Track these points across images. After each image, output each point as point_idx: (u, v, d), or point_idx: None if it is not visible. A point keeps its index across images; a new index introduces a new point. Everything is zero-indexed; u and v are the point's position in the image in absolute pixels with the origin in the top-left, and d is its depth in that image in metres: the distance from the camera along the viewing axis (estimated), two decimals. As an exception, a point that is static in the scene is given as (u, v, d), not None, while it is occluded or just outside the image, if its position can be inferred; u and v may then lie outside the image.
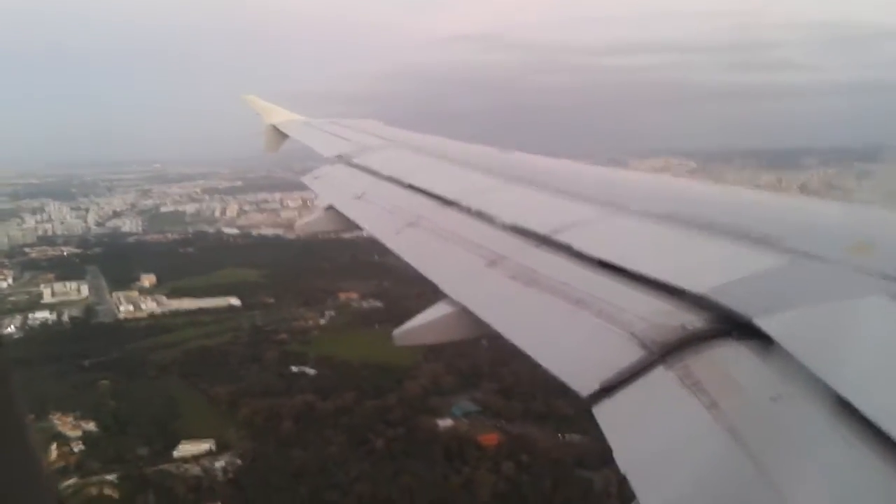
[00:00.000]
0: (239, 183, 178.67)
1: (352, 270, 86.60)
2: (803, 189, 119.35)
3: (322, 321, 73.12)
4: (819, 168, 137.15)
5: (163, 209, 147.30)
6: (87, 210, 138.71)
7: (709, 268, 3.07)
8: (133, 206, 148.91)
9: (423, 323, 3.78)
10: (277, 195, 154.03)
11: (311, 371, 58.56)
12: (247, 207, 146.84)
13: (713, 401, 2.15)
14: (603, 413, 2.35)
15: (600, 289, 3.22)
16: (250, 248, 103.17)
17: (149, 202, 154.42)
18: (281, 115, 12.98)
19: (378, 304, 77.56)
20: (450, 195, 5.61)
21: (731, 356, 2.37)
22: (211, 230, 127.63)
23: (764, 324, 2.37)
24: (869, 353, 2.19)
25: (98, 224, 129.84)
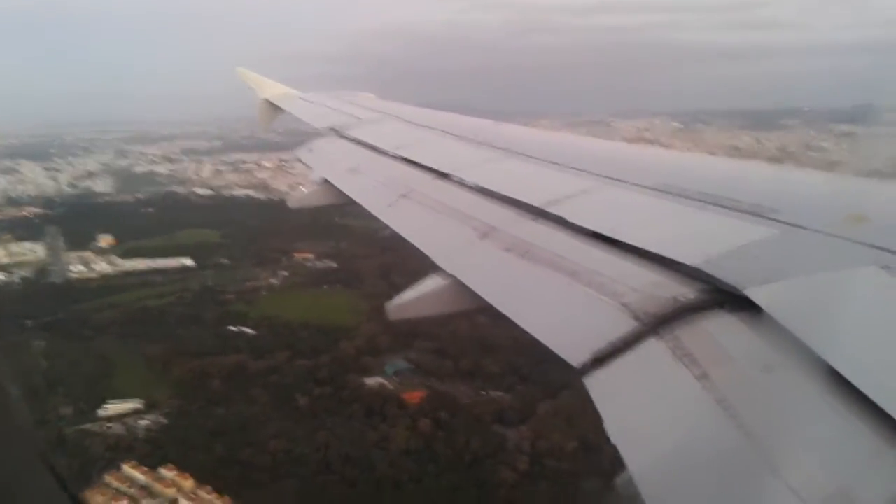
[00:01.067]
0: (219, 143, 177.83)
1: (311, 231, 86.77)
2: (781, 150, 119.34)
3: (274, 281, 73.58)
4: (800, 129, 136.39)
5: (137, 169, 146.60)
6: (59, 171, 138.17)
7: (701, 239, 3.07)
8: (107, 166, 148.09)
9: (417, 296, 3.78)
10: (255, 155, 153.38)
11: (249, 331, 59.09)
12: (222, 168, 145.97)
13: (704, 372, 2.17)
14: (594, 384, 2.37)
15: (593, 260, 3.24)
16: (215, 209, 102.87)
17: (124, 163, 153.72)
18: (274, 89, 13.02)
19: (332, 264, 78.17)
20: (443, 167, 5.62)
21: (723, 327, 2.39)
22: (183, 191, 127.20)
23: (755, 295, 2.38)
24: (861, 324, 2.20)
25: (70, 185, 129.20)
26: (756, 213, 3.25)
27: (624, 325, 2.57)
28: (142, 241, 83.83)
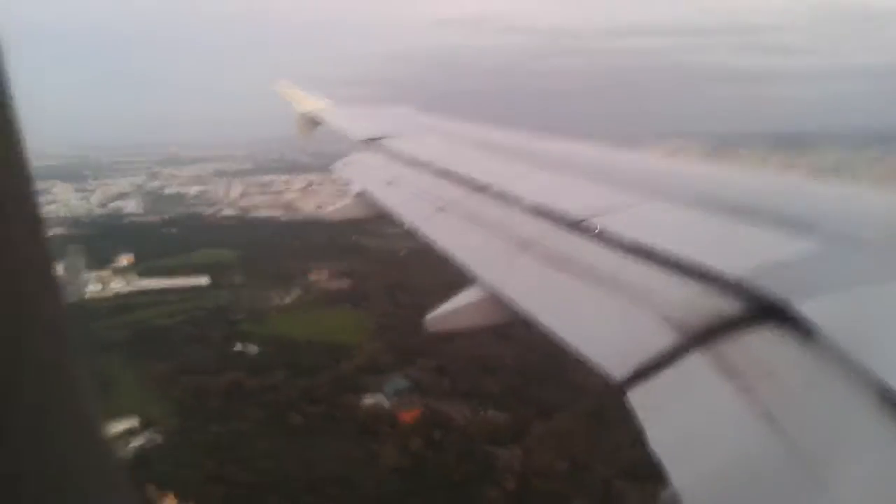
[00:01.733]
0: (249, 165, 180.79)
1: (327, 251, 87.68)
2: (812, 170, 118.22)
3: (287, 300, 74.31)
4: (832, 152, 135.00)
5: (167, 191, 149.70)
6: (92, 191, 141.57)
7: (744, 252, 3.03)
8: (139, 188, 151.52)
9: (455, 308, 3.80)
10: (284, 177, 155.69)
11: (253, 349, 59.66)
12: (251, 189, 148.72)
13: (749, 387, 2.14)
14: (637, 398, 2.35)
15: (633, 273, 3.22)
16: (234, 230, 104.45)
17: (155, 184, 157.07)
18: (312, 103, 13.25)
19: (345, 283, 78.73)
20: (481, 180, 5.65)
21: (768, 342, 2.34)
22: (209, 211, 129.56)
23: (803, 309, 2.34)
24: None
25: (101, 205, 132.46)
26: (801, 225, 3.21)
27: (666, 339, 2.54)
28: (160, 261, 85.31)
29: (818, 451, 1.80)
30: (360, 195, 6.98)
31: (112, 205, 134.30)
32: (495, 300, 3.64)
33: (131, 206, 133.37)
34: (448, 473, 42.66)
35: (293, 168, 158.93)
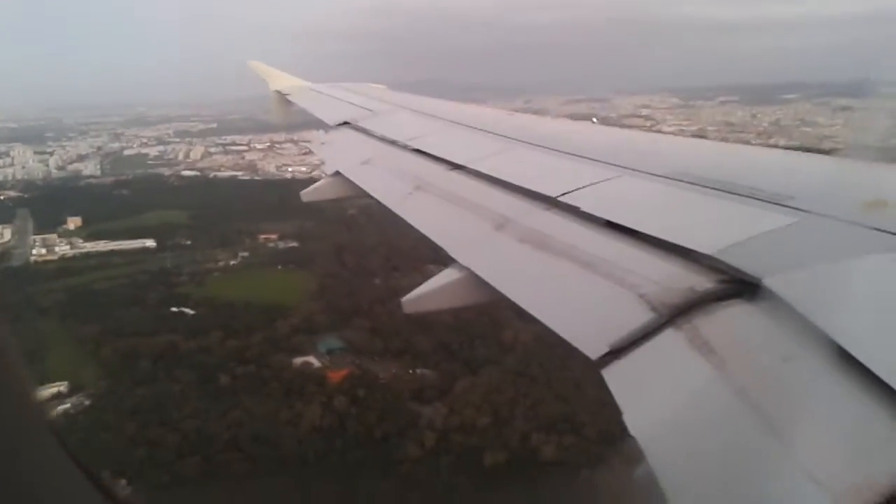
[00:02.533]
0: (214, 125, 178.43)
1: (279, 211, 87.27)
2: (774, 124, 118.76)
3: (233, 262, 74.06)
4: (799, 104, 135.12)
5: (126, 152, 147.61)
6: (51, 154, 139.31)
7: (718, 228, 3.07)
8: (99, 149, 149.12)
9: (432, 289, 3.81)
10: (248, 137, 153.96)
11: (189, 311, 59.76)
12: (213, 149, 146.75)
13: (723, 361, 2.17)
14: (612, 376, 2.38)
15: (608, 251, 3.25)
16: (189, 190, 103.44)
17: (116, 145, 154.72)
18: (286, 81, 13.31)
19: (294, 244, 78.69)
20: (457, 159, 5.65)
21: (741, 317, 2.38)
22: (168, 172, 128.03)
23: (774, 284, 2.37)
24: (880, 311, 2.19)
25: (59, 168, 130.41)
26: (774, 201, 3.24)
27: (640, 316, 2.57)
28: (109, 223, 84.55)
29: (790, 424, 1.85)
30: (336, 175, 6.97)
31: (71, 167, 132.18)
32: (472, 280, 3.66)
33: (90, 168, 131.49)
34: (369, 431, 43.42)
35: (259, 128, 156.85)
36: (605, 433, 44.34)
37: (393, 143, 7.16)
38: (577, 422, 45.05)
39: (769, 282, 2.41)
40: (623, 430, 2.09)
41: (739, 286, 2.54)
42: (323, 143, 8.47)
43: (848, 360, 1.92)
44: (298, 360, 51.47)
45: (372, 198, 5.88)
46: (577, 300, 3.04)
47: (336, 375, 49.17)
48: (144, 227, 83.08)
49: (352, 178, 6.58)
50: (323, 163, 7.77)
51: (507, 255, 3.77)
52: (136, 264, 72.60)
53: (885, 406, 1.74)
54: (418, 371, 50.58)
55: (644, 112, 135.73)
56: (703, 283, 2.64)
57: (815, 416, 1.86)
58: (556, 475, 40.34)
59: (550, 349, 53.91)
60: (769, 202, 3.25)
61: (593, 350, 2.53)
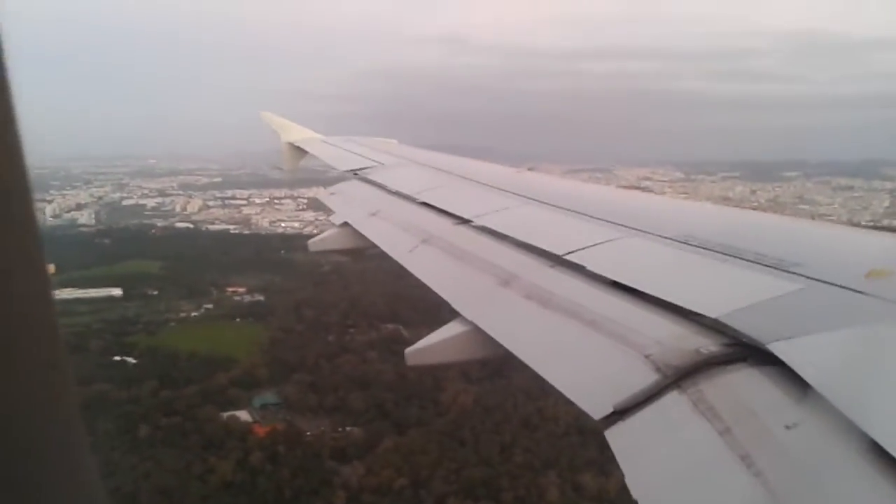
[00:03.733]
0: (219, 179, 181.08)
1: (254, 264, 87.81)
2: (772, 202, 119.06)
3: (195, 313, 74.22)
4: (800, 181, 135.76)
5: (125, 202, 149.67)
6: (50, 202, 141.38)
7: (724, 292, 3.08)
8: (100, 199, 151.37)
9: (436, 342, 3.80)
10: (249, 192, 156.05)
11: (131, 361, 59.46)
12: (211, 203, 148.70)
13: (727, 427, 2.15)
14: (615, 437, 2.37)
15: (614, 311, 3.25)
16: (172, 241, 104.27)
17: (116, 196, 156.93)
18: (298, 133, 13.55)
19: (261, 297, 78.79)
20: (464, 213, 5.70)
21: (746, 382, 2.36)
22: (163, 224, 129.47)
23: (779, 350, 2.36)
24: (886, 381, 2.17)
25: (54, 216, 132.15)
26: (780, 267, 3.24)
27: (645, 378, 2.56)
28: (83, 272, 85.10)
29: (793, 493, 1.81)
30: (344, 225, 7.01)
31: (67, 215, 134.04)
32: (477, 335, 3.64)
33: (84, 217, 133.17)
34: (279, 488, 42.64)
35: (263, 183, 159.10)
36: (523, 501, 43.48)
37: (402, 195, 7.17)
38: (496, 487, 44.21)
39: (774, 347, 2.39)
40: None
41: (745, 350, 2.53)
42: (332, 194, 8.54)
43: (854, 431, 1.89)
44: (227, 414, 50.80)
45: (379, 249, 5.90)
46: (582, 359, 3.02)
47: (261, 430, 48.53)
48: (117, 276, 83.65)
49: (359, 229, 6.61)
50: (332, 213, 7.85)
51: (512, 311, 3.75)
52: (97, 313, 72.70)
53: (891, 478, 1.70)
54: (347, 429, 49.77)
55: (645, 184, 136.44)
56: (709, 346, 2.62)
57: (818, 487, 1.82)
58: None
59: (486, 412, 53.40)
60: (777, 268, 3.24)
61: (597, 410, 2.50)
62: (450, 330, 3.80)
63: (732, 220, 4.94)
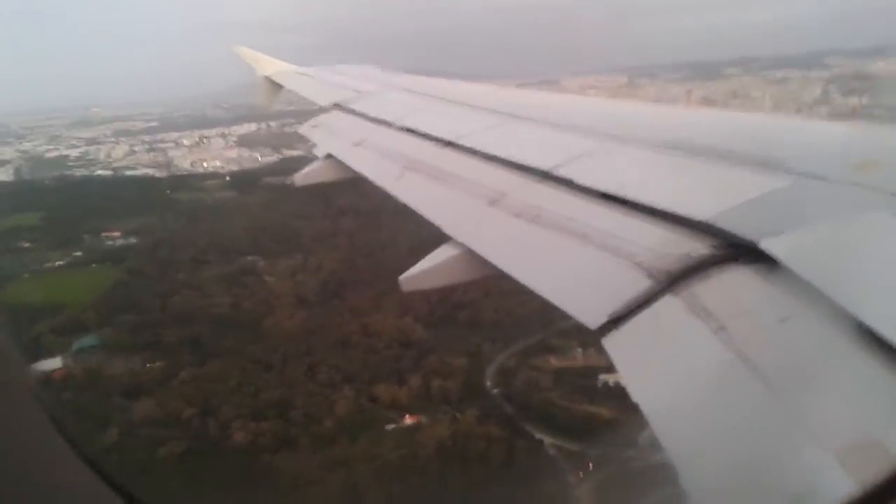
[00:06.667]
0: (155, 123, 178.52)
1: (137, 207, 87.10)
2: (706, 99, 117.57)
3: (59, 262, 73.77)
4: (737, 78, 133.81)
5: (48, 155, 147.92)
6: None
7: (712, 194, 3.09)
8: (25, 153, 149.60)
9: (428, 267, 3.86)
10: (175, 134, 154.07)
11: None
12: (138, 148, 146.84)
13: (721, 325, 2.20)
14: (612, 344, 2.44)
15: (604, 221, 3.30)
16: (64, 191, 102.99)
17: (43, 149, 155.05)
18: (274, 66, 13.15)
19: (133, 241, 78.42)
20: (449, 136, 5.70)
21: (738, 280, 2.41)
22: (85, 173, 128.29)
23: (769, 246, 2.39)
24: (876, 270, 2.18)
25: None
26: (766, 164, 3.24)
27: (638, 284, 2.60)
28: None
29: (791, 385, 1.84)
30: (329, 157, 7.01)
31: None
32: (469, 257, 3.70)
33: (4, 174, 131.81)
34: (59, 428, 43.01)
35: (199, 124, 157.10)
36: (312, 416, 43.97)
37: (385, 123, 7.10)
38: (289, 406, 44.72)
39: (765, 244, 2.40)
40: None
41: (735, 250, 2.55)
42: (315, 126, 8.43)
43: (846, 319, 1.90)
44: (44, 362, 50.84)
45: (365, 178, 5.89)
46: (575, 271, 3.07)
47: (60, 373, 48.74)
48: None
49: (344, 160, 6.64)
50: (314, 145, 7.79)
51: (502, 230, 3.78)
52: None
53: (885, 364, 1.73)
54: (149, 365, 49.96)
55: (590, 92, 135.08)
56: (699, 248, 2.65)
57: (815, 375, 1.86)
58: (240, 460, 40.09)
59: (309, 335, 53.63)
60: (763, 165, 3.24)
61: (593, 319, 2.53)
62: (442, 253, 3.83)
63: (718, 122, 4.91)
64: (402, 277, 3.84)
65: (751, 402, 1.86)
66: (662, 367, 2.24)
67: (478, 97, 7.12)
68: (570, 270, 3.07)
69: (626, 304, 2.50)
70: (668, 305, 2.41)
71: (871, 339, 1.79)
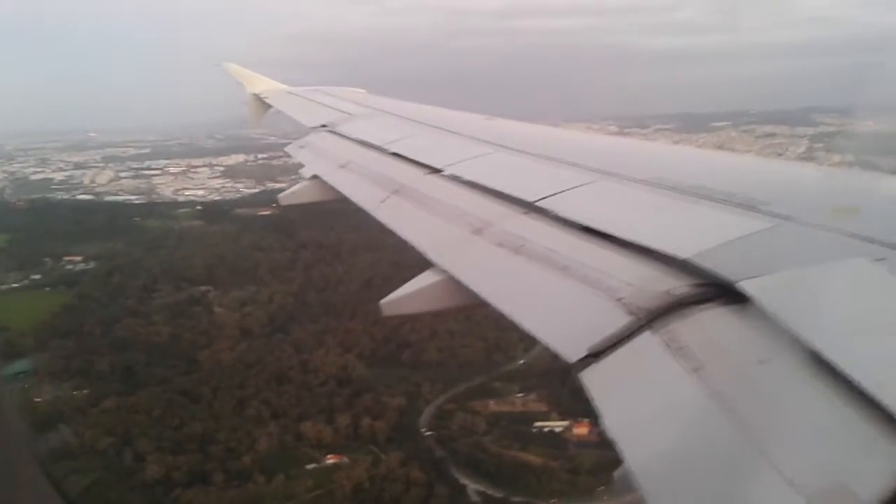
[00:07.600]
0: (147, 150, 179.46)
1: (102, 233, 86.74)
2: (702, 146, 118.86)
3: (15, 285, 73.21)
4: (725, 131, 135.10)
5: (33, 177, 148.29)
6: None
7: (694, 232, 3.10)
8: (13, 174, 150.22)
9: (410, 292, 3.84)
10: (163, 162, 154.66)
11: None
12: (124, 174, 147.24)
13: (699, 364, 2.18)
14: (590, 378, 2.39)
15: (586, 255, 3.28)
16: (36, 213, 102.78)
17: (29, 171, 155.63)
18: (263, 84, 12.98)
19: (92, 265, 77.84)
20: (435, 163, 5.68)
21: (717, 320, 2.40)
22: (65, 196, 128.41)
23: (748, 287, 2.39)
24: (853, 315, 2.20)
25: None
26: (749, 205, 3.25)
27: (618, 320, 2.58)
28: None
29: (765, 427, 1.82)
30: (314, 178, 7.02)
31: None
32: (451, 284, 3.67)
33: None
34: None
35: (191, 153, 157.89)
36: (232, 451, 43.10)
37: (372, 146, 7.09)
38: (212, 440, 43.93)
39: (744, 286, 2.39)
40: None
41: (715, 290, 2.52)
42: (301, 147, 8.44)
43: (822, 364, 1.91)
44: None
45: (350, 201, 5.87)
46: (555, 304, 3.05)
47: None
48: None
49: (329, 182, 6.62)
50: (302, 166, 7.80)
51: (485, 258, 3.75)
52: None
53: (858, 410, 1.72)
54: (75, 393, 49.18)
55: None
56: (680, 286, 2.62)
57: (789, 419, 1.85)
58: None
59: (244, 368, 52.86)
60: (746, 207, 3.23)
61: (572, 353, 2.51)
62: (424, 279, 3.80)
63: (703, 161, 4.95)
64: (384, 301, 3.81)
65: (725, 443, 1.84)
66: (639, 405, 2.23)
67: (466, 126, 7.12)
68: (551, 302, 3.09)
69: (606, 339, 2.48)
70: (646, 342, 2.40)
71: (847, 384, 1.78)
